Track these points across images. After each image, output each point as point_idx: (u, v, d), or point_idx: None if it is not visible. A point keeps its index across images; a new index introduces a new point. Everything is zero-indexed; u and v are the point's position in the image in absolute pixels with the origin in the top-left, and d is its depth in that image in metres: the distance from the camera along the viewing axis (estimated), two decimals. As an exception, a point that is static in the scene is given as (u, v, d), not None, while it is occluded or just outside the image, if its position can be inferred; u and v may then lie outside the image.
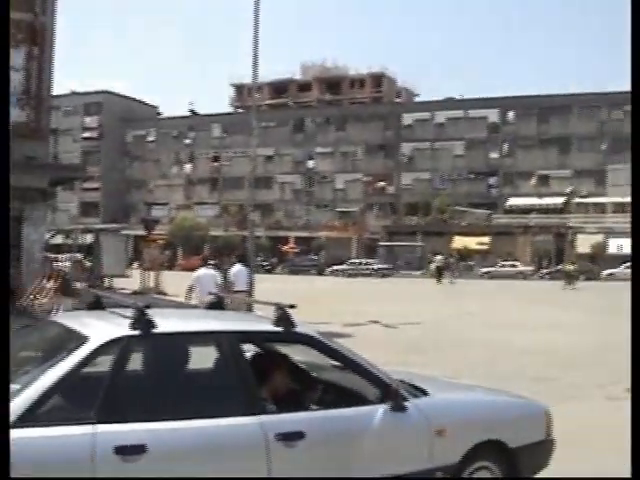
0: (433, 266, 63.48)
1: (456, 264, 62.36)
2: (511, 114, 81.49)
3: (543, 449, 6.37)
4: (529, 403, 6.81)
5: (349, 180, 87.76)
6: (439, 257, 60.51)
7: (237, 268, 18.48)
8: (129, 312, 5.20)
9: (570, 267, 50.75)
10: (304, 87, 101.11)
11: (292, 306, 5.64)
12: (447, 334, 20.64)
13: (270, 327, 5.64)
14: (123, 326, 5.06)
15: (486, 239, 75.25)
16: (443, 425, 5.71)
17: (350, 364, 5.78)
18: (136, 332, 5.00)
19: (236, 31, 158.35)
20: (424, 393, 6.00)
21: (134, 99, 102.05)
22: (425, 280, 59.44)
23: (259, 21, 24.43)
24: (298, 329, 5.65)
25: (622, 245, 69.89)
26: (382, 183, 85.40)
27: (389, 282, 57.58)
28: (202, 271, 17.41)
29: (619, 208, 74.46)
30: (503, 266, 66.70)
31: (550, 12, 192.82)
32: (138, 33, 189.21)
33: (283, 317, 5.58)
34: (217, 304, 7.49)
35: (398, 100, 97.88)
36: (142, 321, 5.04)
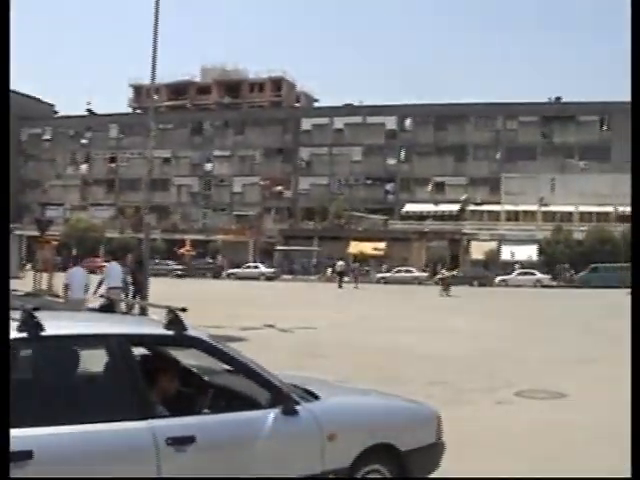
0: (329, 271, 63.69)
1: (359, 269, 62.51)
2: (409, 121, 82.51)
3: (434, 452, 6.48)
4: (420, 407, 6.92)
5: (247, 184, 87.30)
6: (340, 262, 60.81)
7: (110, 265, 19.97)
8: (17, 314, 5.00)
9: (446, 273, 50.36)
10: (203, 90, 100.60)
11: (183, 309, 5.58)
12: (342, 338, 20.35)
13: (161, 330, 5.57)
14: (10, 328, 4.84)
15: (382, 244, 75.73)
16: (334, 429, 5.72)
17: (241, 368, 5.74)
18: (23, 335, 4.84)
19: (137, 31, 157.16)
20: (316, 397, 5.99)
21: (29, 96, 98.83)
22: (325, 285, 59.36)
23: (159, 22, 24.29)
24: (189, 332, 5.56)
25: (515, 252, 71.56)
26: (280, 187, 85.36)
27: (289, 287, 57.09)
28: (74, 270, 18.68)
29: (512, 216, 76.27)
30: (399, 271, 66.89)
31: (460, 18, 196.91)
32: (37, 32, 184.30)
33: (174, 320, 5.50)
34: (108, 306, 7.29)
35: (297, 105, 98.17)
36: (30, 323, 4.89)
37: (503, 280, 62.33)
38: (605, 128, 78.29)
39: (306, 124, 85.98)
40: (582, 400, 11.99)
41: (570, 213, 74.45)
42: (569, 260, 67.71)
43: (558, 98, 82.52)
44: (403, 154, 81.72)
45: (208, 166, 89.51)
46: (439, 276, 51.42)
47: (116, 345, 5.21)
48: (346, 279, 58.09)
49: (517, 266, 66.71)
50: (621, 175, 72.65)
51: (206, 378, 6.36)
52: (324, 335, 20.97)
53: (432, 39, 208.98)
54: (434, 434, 6.51)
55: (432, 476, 6.47)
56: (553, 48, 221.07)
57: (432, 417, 6.62)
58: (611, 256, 64.17)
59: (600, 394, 12.53)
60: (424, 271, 69.32)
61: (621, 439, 9.33)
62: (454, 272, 60.25)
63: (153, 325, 5.97)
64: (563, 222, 73.12)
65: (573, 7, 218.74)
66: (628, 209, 73.08)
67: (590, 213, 74.25)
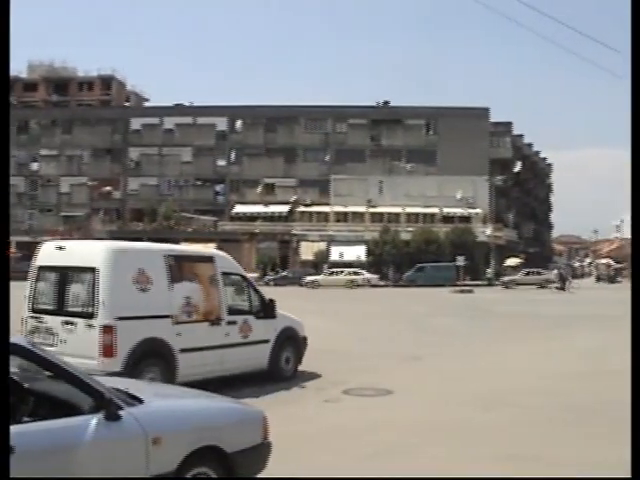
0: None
1: None
2: (239, 123, 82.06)
3: (260, 452, 6.51)
4: (246, 408, 6.93)
5: (74, 184, 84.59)
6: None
7: None
8: None
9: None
10: (30, 87, 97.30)
11: None
12: None
13: None
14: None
15: (212, 245, 74.67)
16: (158, 433, 5.60)
17: (62, 373, 5.47)
18: None
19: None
20: (140, 401, 5.81)
21: None
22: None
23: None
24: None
25: (343, 252, 72.42)
26: (108, 188, 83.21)
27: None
28: None
29: (341, 217, 77.18)
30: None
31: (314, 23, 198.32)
32: None
33: None
34: None
35: (127, 104, 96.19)
36: None
37: (314, 281, 62.05)
38: (431, 132, 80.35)
39: (136, 124, 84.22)
40: (408, 396, 12.16)
41: (397, 214, 76.03)
42: (396, 260, 69.07)
43: (386, 102, 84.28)
44: (233, 155, 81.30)
45: (34, 166, 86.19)
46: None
47: None
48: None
49: (326, 266, 67.44)
50: (446, 177, 75.03)
51: (26, 385, 5.88)
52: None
53: (262, 41, 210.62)
54: (260, 435, 6.55)
55: (428, 476, 6.72)
56: (382, 53, 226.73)
57: (258, 418, 6.64)
58: (436, 256, 66.00)
59: (426, 390, 12.79)
60: (255, 272, 69.07)
61: (446, 433, 9.42)
62: (284, 272, 59.89)
63: None
64: (390, 223, 74.60)
65: (401, 12, 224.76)
66: (452, 210, 75.54)
67: (416, 214, 76.15)
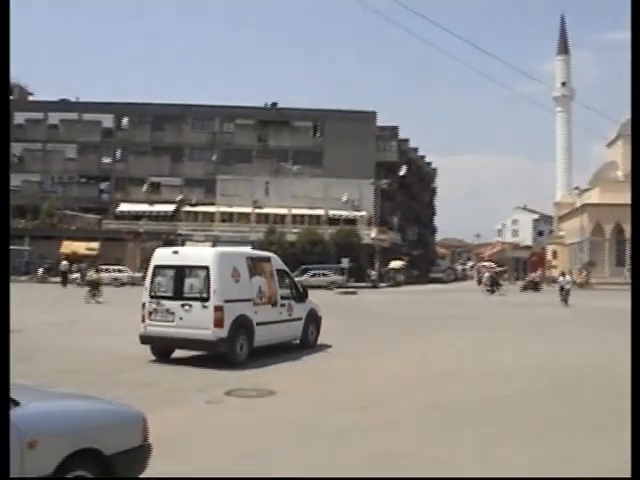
0: (40, 271, 61.83)
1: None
2: (126, 120, 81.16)
3: (140, 454, 6.46)
4: (125, 410, 6.83)
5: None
6: (64, 262, 59.96)
7: None
8: None
9: (95, 275, 41.56)
10: None
11: None
12: (46, 341, 19.73)
13: None
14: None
15: (95, 244, 73.95)
16: (34, 436, 5.45)
17: None
18: None
19: None
20: (16, 404, 5.60)
21: None
22: (44, 286, 56.65)
23: None
24: None
25: (228, 253, 72.28)
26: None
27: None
28: None
29: (227, 217, 77.15)
30: (107, 271, 64.63)
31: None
32: None
33: None
34: None
35: (10, 98, 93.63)
36: None
37: None
38: (318, 134, 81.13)
39: (19, 118, 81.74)
40: (290, 397, 12.28)
41: (283, 215, 76.53)
42: (282, 261, 69.38)
43: (274, 103, 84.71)
44: (119, 153, 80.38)
45: None
46: (87, 278, 43.95)
47: None
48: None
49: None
50: (332, 180, 75.92)
51: None
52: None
53: (150, 38, 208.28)
54: (140, 436, 6.50)
55: (422, 476, 6.77)
56: (271, 55, 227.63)
57: (137, 420, 6.58)
58: (321, 257, 66.53)
59: (308, 391, 12.94)
60: (140, 272, 68.33)
61: (329, 434, 9.55)
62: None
63: None
64: (276, 224, 74.93)
65: (288, 13, 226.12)
66: (338, 212, 76.47)
67: (302, 216, 76.76)
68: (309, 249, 69.62)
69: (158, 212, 77.28)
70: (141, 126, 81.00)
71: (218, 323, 15.46)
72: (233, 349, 15.71)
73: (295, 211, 76.73)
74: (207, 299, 15.58)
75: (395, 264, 75.78)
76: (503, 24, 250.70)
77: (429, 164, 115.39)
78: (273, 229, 73.00)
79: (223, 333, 15.47)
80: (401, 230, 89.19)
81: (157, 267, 16.62)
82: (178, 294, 16.04)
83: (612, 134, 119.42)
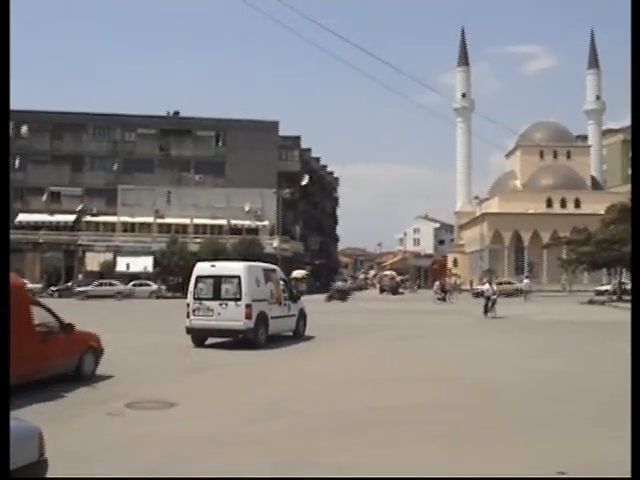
0: None
1: None
2: (25, 128, 79.59)
3: (36, 470, 6.29)
4: (19, 424, 6.48)
5: None
6: None
7: None
8: None
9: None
10: None
11: None
12: None
13: None
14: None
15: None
16: None
17: None
18: None
19: None
20: None
21: None
22: None
23: None
24: None
25: (130, 263, 71.77)
26: None
27: None
28: None
29: (128, 227, 76.50)
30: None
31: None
32: None
33: None
34: None
35: None
36: None
37: (82, 291, 61.50)
38: (221, 144, 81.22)
39: None
40: (191, 408, 12.26)
41: (185, 225, 76.41)
42: (184, 271, 69.16)
43: (176, 112, 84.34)
44: (18, 162, 78.56)
45: None
46: None
47: None
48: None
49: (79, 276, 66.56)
50: (234, 189, 76.21)
51: None
52: None
53: (46, 45, 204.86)
54: (36, 452, 6.34)
55: (428, 476, 6.65)
56: (172, 63, 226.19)
57: (33, 435, 6.40)
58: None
59: (209, 402, 12.95)
60: (39, 282, 67.37)
61: (227, 444, 9.63)
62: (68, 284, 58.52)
63: None
64: (178, 234, 74.65)
65: (191, 25, 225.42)
66: (240, 222, 76.75)
67: (204, 225, 76.74)
68: (211, 259, 69.31)
69: (58, 222, 76.08)
70: (41, 134, 79.50)
71: (248, 316, 21.37)
72: (257, 336, 21.77)
73: (197, 221, 76.69)
74: (239, 299, 21.47)
75: (297, 273, 76.04)
76: (405, 36, 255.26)
77: (331, 173, 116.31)
78: (175, 239, 72.64)
79: (251, 324, 21.40)
80: (303, 239, 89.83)
81: (198, 277, 22.37)
82: (216, 296, 21.76)
83: (511, 144, 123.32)
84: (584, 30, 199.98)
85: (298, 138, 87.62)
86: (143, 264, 71.49)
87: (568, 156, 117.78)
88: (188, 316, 22.02)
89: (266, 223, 77.75)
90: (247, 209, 77.11)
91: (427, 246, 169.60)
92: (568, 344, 23.74)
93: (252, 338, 21.50)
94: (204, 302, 21.75)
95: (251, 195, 76.74)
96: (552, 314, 40.19)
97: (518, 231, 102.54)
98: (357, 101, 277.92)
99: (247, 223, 77.47)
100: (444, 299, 58.12)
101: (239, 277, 21.62)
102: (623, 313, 30.07)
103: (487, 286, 40.21)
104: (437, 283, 63.84)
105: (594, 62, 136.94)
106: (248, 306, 21.31)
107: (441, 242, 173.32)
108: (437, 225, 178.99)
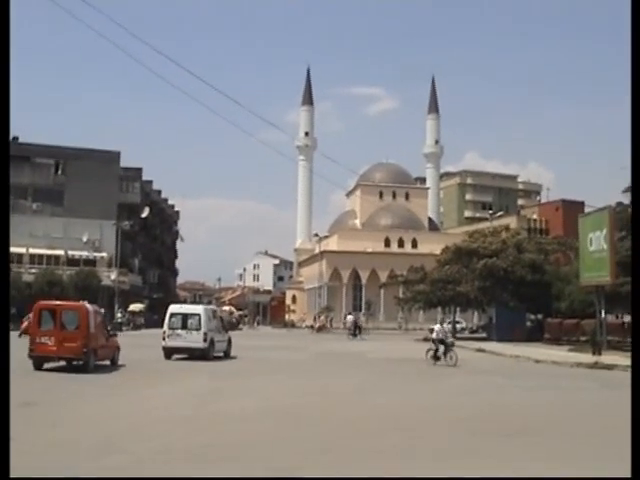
0: None
1: None
2: None
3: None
4: None
5: None
6: None
7: None
8: None
9: None
10: None
11: None
12: None
13: None
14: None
15: None
16: None
17: None
18: None
19: None
20: None
21: None
22: None
23: None
24: None
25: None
26: None
27: None
28: None
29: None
30: None
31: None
32: None
33: None
34: None
35: None
36: None
37: None
38: (60, 172, 79.26)
39: None
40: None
41: (20, 255, 73.65)
42: (17, 303, 66.74)
43: (15, 138, 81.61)
44: None
45: None
46: None
47: None
48: None
49: None
50: (73, 219, 74.39)
51: None
52: None
53: None
54: None
55: (429, 476, 7.05)
56: (14, 86, 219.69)
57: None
58: (59, 299, 64.38)
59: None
60: None
61: None
62: None
63: None
64: (13, 264, 71.88)
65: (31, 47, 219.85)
66: (78, 252, 74.92)
67: (41, 255, 74.41)
68: (47, 290, 67.47)
69: None
70: None
71: (205, 340, 30.87)
72: (209, 353, 31.10)
73: (33, 250, 74.24)
74: (199, 329, 30.89)
75: (135, 307, 75.02)
76: (251, 71, 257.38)
77: (172, 206, 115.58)
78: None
79: (206, 345, 30.91)
80: (142, 272, 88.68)
81: (172, 314, 31.75)
82: (184, 326, 31.03)
83: (351, 184, 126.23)
84: (426, 75, 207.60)
85: (140, 170, 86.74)
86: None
87: (407, 197, 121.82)
88: (164, 339, 31.09)
89: (104, 255, 76.27)
90: (85, 240, 75.40)
91: (266, 282, 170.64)
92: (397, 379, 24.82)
93: (207, 354, 30.82)
94: (176, 330, 30.95)
95: (90, 226, 75.15)
96: (386, 352, 42.16)
97: (357, 269, 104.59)
98: (200, 135, 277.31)
99: (85, 254, 75.75)
100: (355, 335, 58.81)
101: (199, 315, 31.35)
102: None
103: (438, 326, 32.71)
104: (350, 318, 64.37)
105: (434, 107, 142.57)
106: (205, 333, 30.87)
107: (280, 278, 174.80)
108: (277, 261, 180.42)
